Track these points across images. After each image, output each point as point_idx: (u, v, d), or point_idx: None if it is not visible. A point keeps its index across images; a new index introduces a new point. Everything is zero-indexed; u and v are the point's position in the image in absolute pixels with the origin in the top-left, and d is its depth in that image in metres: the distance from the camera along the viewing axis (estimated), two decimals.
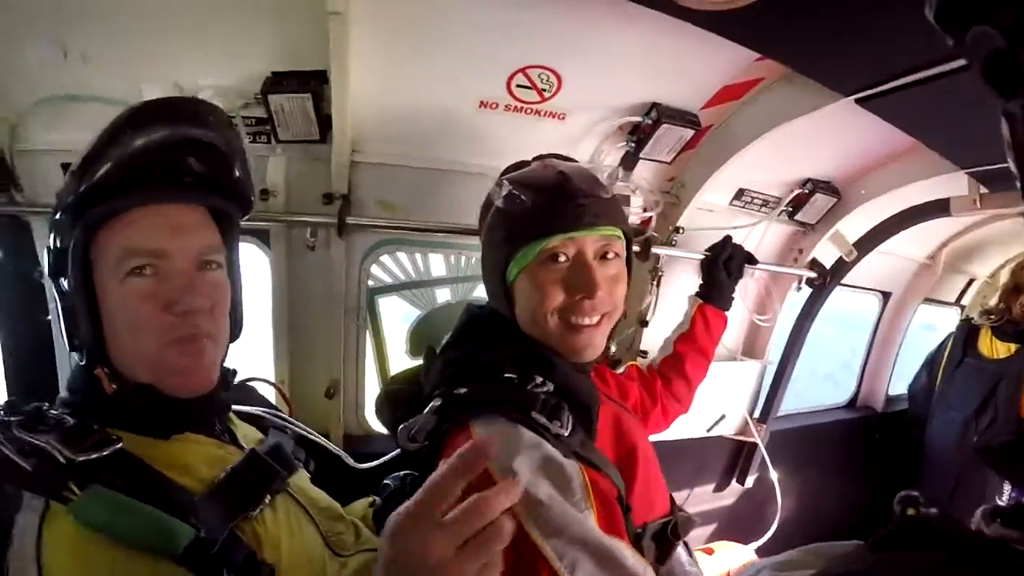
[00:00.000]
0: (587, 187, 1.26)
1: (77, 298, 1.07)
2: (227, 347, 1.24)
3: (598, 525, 1.00)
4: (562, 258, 1.26)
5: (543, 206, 1.25)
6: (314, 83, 1.93)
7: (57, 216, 1.08)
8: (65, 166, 2.25)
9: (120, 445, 1.02)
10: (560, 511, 0.97)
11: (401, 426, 1.25)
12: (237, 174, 1.17)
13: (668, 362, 2.13)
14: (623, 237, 1.34)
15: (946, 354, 3.87)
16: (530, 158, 1.53)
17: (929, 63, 1.56)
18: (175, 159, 1.09)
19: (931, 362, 4.03)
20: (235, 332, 1.27)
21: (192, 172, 1.10)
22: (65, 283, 1.09)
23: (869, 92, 1.77)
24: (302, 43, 1.89)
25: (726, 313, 2.25)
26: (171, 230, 1.07)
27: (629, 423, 1.38)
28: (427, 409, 1.23)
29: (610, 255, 1.30)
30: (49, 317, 2.29)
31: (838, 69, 1.77)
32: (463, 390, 1.22)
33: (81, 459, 0.97)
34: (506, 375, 1.24)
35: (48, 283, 1.15)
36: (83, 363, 1.12)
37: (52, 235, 1.10)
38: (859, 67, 1.73)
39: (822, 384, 5.71)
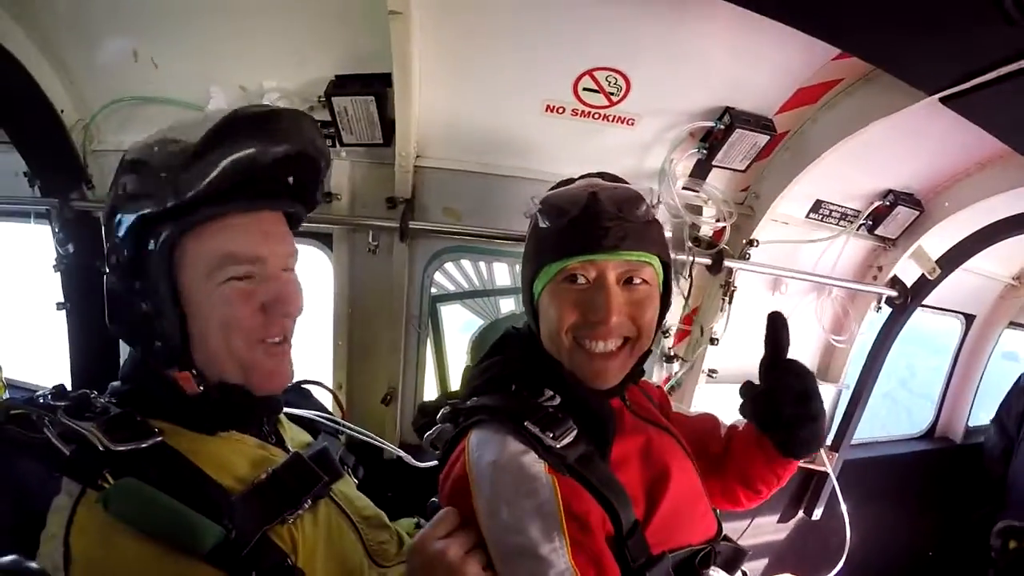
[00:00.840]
0: (615, 209, 1.22)
1: (165, 301, 1.06)
2: None
3: (569, 543, 1.04)
4: (581, 280, 1.22)
5: (567, 226, 1.23)
6: (378, 86, 1.94)
7: (130, 218, 1.04)
8: (26, 174, 2.34)
9: (160, 439, 1.03)
10: (505, 520, 1.06)
11: (425, 434, 1.34)
12: (319, 191, 1.24)
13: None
14: (656, 263, 1.28)
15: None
16: (595, 168, 1.49)
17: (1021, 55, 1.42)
18: (280, 173, 1.13)
19: (1009, 399, 3.73)
20: None
21: (286, 182, 1.16)
22: (141, 285, 1.07)
23: (955, 90, 1.62)
24: (366, 47, 1.90)
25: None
26: (265, 237, 1.12)
27: (663, 444, 1.33)
28: (438, 417, 1.33)
29: (636, 280, 1.24)
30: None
31: (921, 64, 1.64)
32: (472, 400, 1.26)
33: (120, 449, 0.98)
34: (516, 388, 1.26)
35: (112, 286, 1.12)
36: (164, 366, 1.12)
37: (120, 235, 1.06)
38: (944, 62, 1.58)
39: (881, 403, 5.39)
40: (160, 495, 0.96)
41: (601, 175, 1.41)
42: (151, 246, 1.05)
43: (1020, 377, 3.68)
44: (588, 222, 1.21)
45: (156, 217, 1.03)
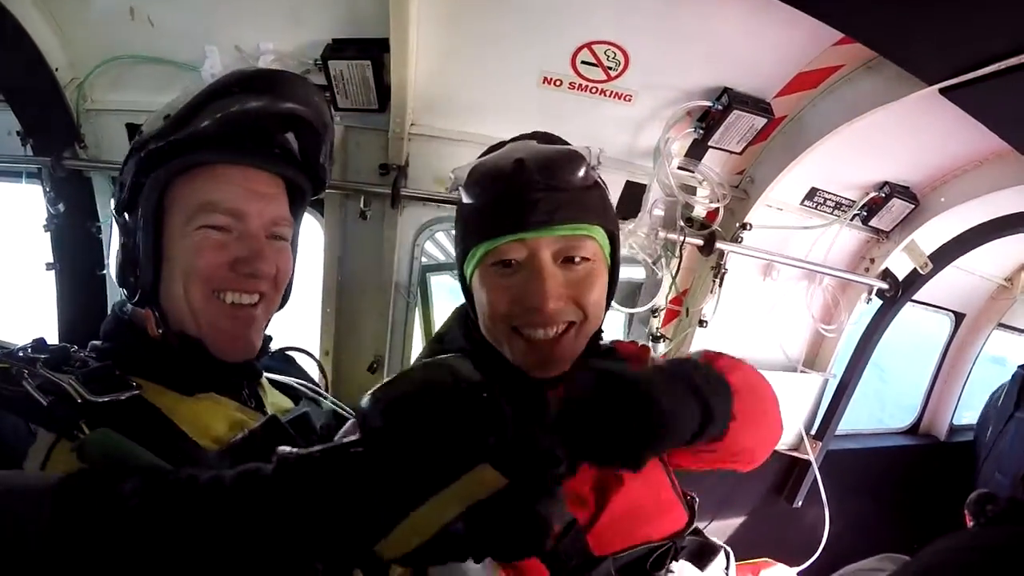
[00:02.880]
0: (545, 176, 1.06)
1: (144, 236, 1.07)
2: (273, 316, 1.24)
3: None
4: (512, 262, 1.08)
5: (490, 201, 1.09)
6: (375, 51, 1.91)
7: (141, 153, 1.07)
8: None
9: (138, 392, 1.02)
10: None
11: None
12: (323, 158, 1.20)
13: None
14: (599, 234, 1.13)
15: (998, 404, 3.59)
16: (590, 140, 1.35)
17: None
18: (275, 129, 1.11)
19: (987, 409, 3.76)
20: (282, 304, 1.26)
21: (284, 146, 1.13)
22: (131, 219, 1.10)
23: (955, 81, 1.63)
24: (364, 10, 1.88)
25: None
26: (251, 194, 1.09)
27: None
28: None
29: (576, 258, 1.09)
30: (104, 272, 2.33)
31: (923, 53, 1.63)
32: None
33: (97, 400, 0.97)
34: None
35: (110, 221, 1.14)
36: (133, 301, 1.12)
37: (130, 171, 1.09)
38: (947, 53, 1.58)
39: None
40: (134, 446, 0.94)
41: (535, 135, 1.24)
42: (140, 184, 1.07)
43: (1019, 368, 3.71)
44: (514, 195, 1.05)
45: (153, 156, 1.05)
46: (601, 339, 1.24)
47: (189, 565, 0.68)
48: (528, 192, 1.05)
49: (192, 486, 0.73)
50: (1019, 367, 3.78)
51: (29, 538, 0.67)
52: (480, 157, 1.20)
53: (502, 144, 1.23)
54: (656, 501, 1.16)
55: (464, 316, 1.28)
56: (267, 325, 1.22)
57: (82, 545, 0.67)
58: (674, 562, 1.11)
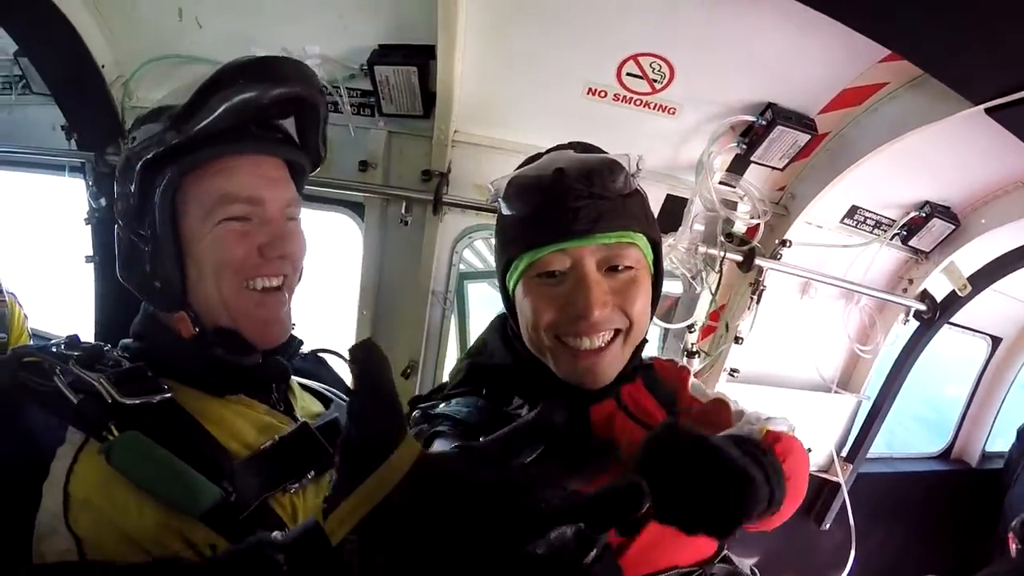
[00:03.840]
0: (586, 185, 1.04)
1: (163, 241, 1.06)
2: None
3: None
4: (556, 272, 1.06)
5: (532, 212, 1.07)
6: (421, 57, 1.93)
7: (148, 157, 1.05)
8: (63, 127, 2.36)
9: (169, 395, 1.02)
10: None
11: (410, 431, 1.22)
12: (320, 135, 1.20)
13: None
14: (642, 241, 1.11)
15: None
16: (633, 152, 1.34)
17: None
18: (278, 114, 1.12)
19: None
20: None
21: (284, 129, 1.14)
22: (145, 229, 1.08)
23: (1002, 101, 1.60)
24: (410, 17, 1.90)
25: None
26: (266, 180, 1.10)
27: None
28: (411, 419, 1.18)
29: (619, 266, 1.07)
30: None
31: (971, 71, 1.61)
32: (441, 406, 1.14)
33: (127, 402, 0.97)
34: (485, 392, 1.14)
35: (117, 231, 1.13)
36: (163, 309, 1.12)
37: (129, 182, 1.07)
38: (994, 72, 1.57)
39: None
40: (162, 451, 0.95)
41: (573, 145, 1.22)
42: (154, 190, 1.05)
43: None
44: (554, 205, 1.04)
45: (159, 160, 1.04)
46: (642, 352, 1.20)
47: None
48: (569, 201, 1.03)
49: None
50: None
51: None
52: (518, 168, 1.18)
53: (539, 155, 1.21)
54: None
55: (503, 328, 1.26)
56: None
57: None
58: None
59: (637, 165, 1.10)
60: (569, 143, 1.24)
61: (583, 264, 1.05)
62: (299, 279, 1.24)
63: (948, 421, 4.12)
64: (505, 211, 1.11)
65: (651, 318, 1.16)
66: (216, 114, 1.02)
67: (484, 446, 0.91)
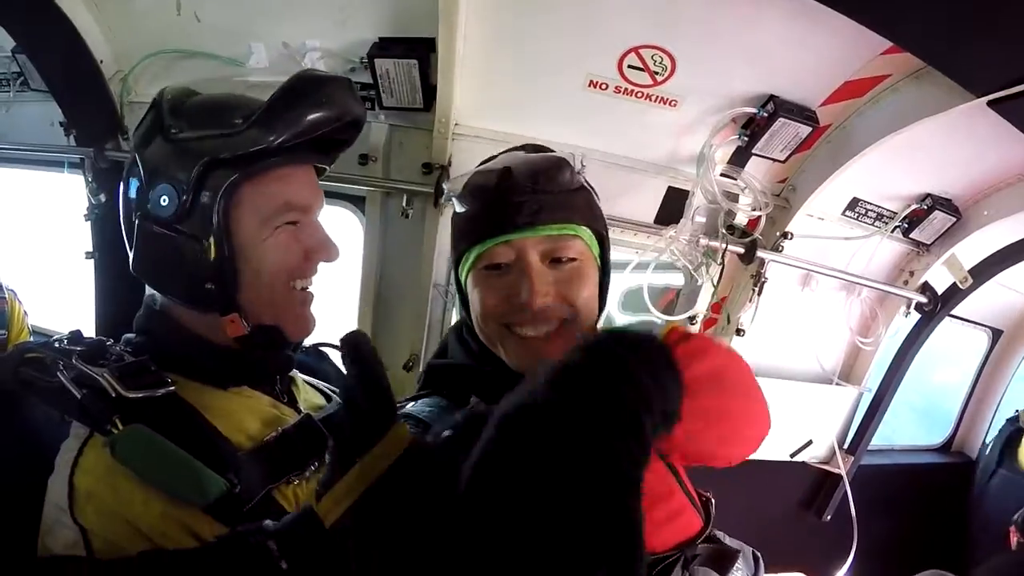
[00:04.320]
0: (530, 181, 1.10)
1: (222, 244, 1.07)
2: None
3: None
4: (501, 264, 1.11)
5: (479, 208, 1.13)
6: (421, 50, 1.92)
7: (197, 164, 1.05)
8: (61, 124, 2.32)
9: (173, 388, 1.03)
10: None
11: None
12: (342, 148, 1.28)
13: None
14: (585, 234, 1.15)
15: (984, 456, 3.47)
16: (636, 148, 1.37)
17: None
18: (340, 133, 1.17)
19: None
20: None
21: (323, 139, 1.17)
22: (194, 229, 1.07)
23: (1005, 93, 1.60)
24: (411, 10, 1.89)
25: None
26: (313, 189, 1.18)
27: None
28: None
29: (563, 258, 1.11)
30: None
31: (973, 64, 1.61)
32: (408, 406, 1.18)
33: (131, 396, 0.98)
34: (446, 392, 1.19)
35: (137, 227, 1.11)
36: (214, 310, 1.11)
37: (182, 180, 1.05)
38: (997, 64, 1.56)
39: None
40: (167, 444, 0.96)
41: (525, 147, 1.28)
42: (209, 190, 1.05)
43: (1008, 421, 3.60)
44: (499, 199, 1.10)
45: (221, 162, 1.05)
46: None
47: None
48: (513, 195, 1.09)
49: None
50: (1008, 420, 3.67)
51: None
52: (475, 168, 1.23)
53: (493, 158, 1.26)
54: (659, 509, 1.10)
55: (459, 328, 1.29)
56: None
57: None
58: (685, 572, 1.05)
59: (581, 162, 1.18)
60: (522, 145, 1.30)
61: (526, 254, 1.09)
62: None
63: (936, 408, 4.13)
64: (457, 209, 1.17)
65: (601, 309, 1.20)
66: (295, 127, 1.08)
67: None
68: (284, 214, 1.11)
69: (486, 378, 1.16)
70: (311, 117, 1.09)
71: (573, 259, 1.12)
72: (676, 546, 1.07)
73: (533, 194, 1.09)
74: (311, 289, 1.20)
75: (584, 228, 1.14)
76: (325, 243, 1.17)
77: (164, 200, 1.06)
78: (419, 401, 1.19)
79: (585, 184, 1.18)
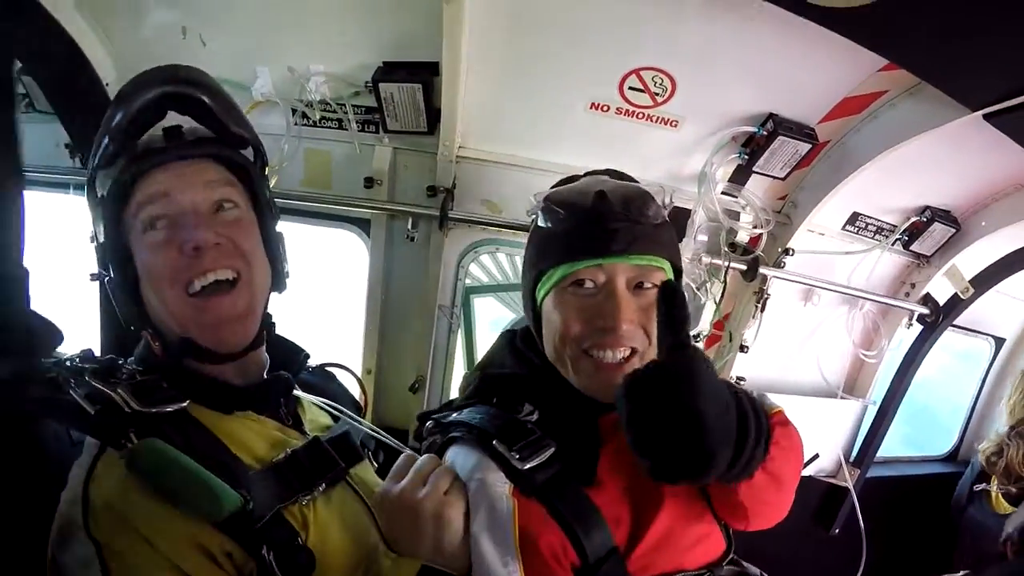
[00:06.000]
0: (625, 210, 1.14)
1: (115, 269, 1.11)
2: (265, 294, 1.22)
3: (522, 570, 0.99)
4: (589, 284, 1.15)
5: (573, 228, 1.16)
6: (425, 74, 1.94)
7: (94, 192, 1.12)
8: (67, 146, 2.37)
9: (185, 404, 1.05)
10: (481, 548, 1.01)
11: (421, 444, 1.29)
12: (226, 119, 1.17)
13: None
14: (667, 267, 1.21)
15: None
16: (638, 169, 1.42)
17: None
18: (149, 122, 1.13)
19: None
20: (277, 284, 1.26)
21: (179, 132, 1.14)
22: (104, 265, 1.14)
23: (1000, 107, 1.64)
24: (415, 35, 1.91)
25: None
26: (175, 179, 1.10)
27: None
28: (424, 430, 1.29)
29: (647, 285, 1.16)
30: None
31: (968, 78, 1.64)
32: (453, 415, 1.22)
33: (146, 411, 0.99)
34: (496, 400, 1.21)
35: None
36: (136, 329, 1.16)
37: (93, 219, 1.14)
38: (991, 78, 1.59)
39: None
40: (183, 457, 0.97)
41: (608, 172, 1.34)
42: (98, 224, 1.12)
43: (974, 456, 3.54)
44: (595, 223, 1.13)
45: (97, 201, 1.10)
46: None
47: None
48: (609, 222, 1.13)
49: None
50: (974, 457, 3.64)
51: None
52: (554, 187, 1.28)
53: (575, 177, 1.34)
54: (693, 529, 1.15)
55: (513, 341, 1.33)
56: (262, 305, 1.21)
57: None
58: None
59: (670, 198, 1.24)
60: (604, 169, 1.36)
61: (615, 280, 1.14)
62: (276, 279, 1.25)
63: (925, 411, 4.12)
64: (542, 223, 1.21)
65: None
66: (104, 142, 1.08)
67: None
68: (143, 219, 1.08)
69: (542, 389, 1.21)
70: (115, 123, 1.08)
71: (655, 286, 1.16)
72: (705, 565, 1.14)
73: (627, 222, 1.13)
74: (237, 289, 1.13)
75: (666, 261, 1.20)
76: (187, 230, 1.08)
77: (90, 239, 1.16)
78: (467, 410, 1.22)
79: (667, 218, 1.23)
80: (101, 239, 1.12)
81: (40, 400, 1.01)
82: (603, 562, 1.04)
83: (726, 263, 2.27)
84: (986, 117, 1.69)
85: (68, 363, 1.09)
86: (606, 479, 1.11)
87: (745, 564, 1.22)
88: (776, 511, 1.18)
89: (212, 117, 1.16)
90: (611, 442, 1.14)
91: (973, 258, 2.70)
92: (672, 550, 1.11)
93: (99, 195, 1.10)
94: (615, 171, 1.35)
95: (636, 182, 1.28)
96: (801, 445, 1.15)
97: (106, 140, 1.08)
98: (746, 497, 1.07)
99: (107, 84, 2.29)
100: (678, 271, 1.25)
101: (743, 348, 2.46)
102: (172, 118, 1.16)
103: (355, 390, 1.61)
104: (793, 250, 2.37)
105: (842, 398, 2.84)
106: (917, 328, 2.85)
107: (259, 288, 1.19)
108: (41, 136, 2.67)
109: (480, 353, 2.39)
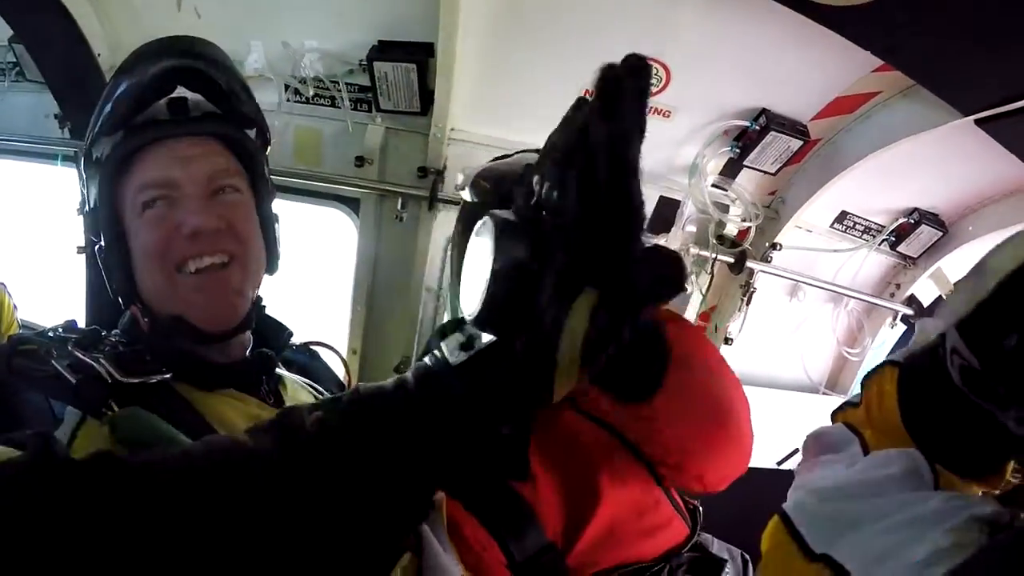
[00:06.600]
0: None
1: (107, 241, 1.07)
2: (258, 277, 1.20)
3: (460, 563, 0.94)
4: None
5: (501, 199, 1.16)
6: (420, 54, 1.93)
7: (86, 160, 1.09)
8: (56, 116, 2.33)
9: (168, 375, 1.02)
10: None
11: None
12: (233, 100, 1.14)
13: None
14: None
15: None
16: None
17: None
18: (165, 90, 1.08)
19: None
20: (270, 264, 1.23)
21: (184, 106, 1.10)
22: (97, 235, 1.10)
23: (992, 112, 1.63)
24: (410, 14, 1.91)
25: None
26: (178, 161, 1.07)
27: (601, 444, 1.09)
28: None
29: None
30: None
31: (963, 83, 1.65)
32: None
33: (129, 381, 0.96)
34: None
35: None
36: (124, 305, 1.12)
37: (83, 193, 1.11)
38: (985, 84, 1.60)
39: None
40: (164, 424, 0.95)
41: (538, 151, 1.33)
42: (93, 194, 1.08)
43: None
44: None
45: (95, 165, 1.07)
46: None
47: None
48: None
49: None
50: None
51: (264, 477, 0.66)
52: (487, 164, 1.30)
53: (506, 156, 1.36)
54: (646, 518, 1.11)
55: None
56: (254, 288, 1.18)
57: None
58: None
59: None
60: (534, 149, 1.30)
61: None
62: (270, 261, 1.22)
63: None
64: (469, 198, 1.23)
65: None
66: (107, 111, 1.04)
67: None
68: (139, 196, 1.05)
69: None
70: (120, 91, 1.05)
71: None
72: (663, 554, 1.09)
73: None
74: (230, 270, 1.09)
75: None
76: (186, 213, 1.05)
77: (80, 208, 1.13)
78: None
79: None
80: (94, 207, 1.09)
81: (20, 370, 0.99)
82: (537, 559, 1.00)
83: (714, 255, 2.28)
84: (978, 122, 1.70)
85: (51, 334, 1.05)
86: (538, 472, 1.04)
87: (712, 546, 1.19)
88: (723, 452, 1.04)
89: (221, 95, 1.13)
90: (540, 431, 1.06)
91: (959, 261, 2.73)
92: (620, 542, 1.07)
93: (96, 159, 1.07)
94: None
95: None
96: (715, 360, 1.03)
97: (109, 107, 1.05)
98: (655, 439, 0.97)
99: (99, 55, 2.27)
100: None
101: (728, 340, 2.48)
102: (179, 90, 1.11)
103: (339, 370, 1.60)
104: (781, 245, 2.39)
105: (824, 394, 2.86)
106: (901, 328, 2.88)
107: (252, 270, 1.16)
108: (30, 106, 2.65)
109: None
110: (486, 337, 0.66)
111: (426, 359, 0.71)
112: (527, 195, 0.65)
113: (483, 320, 0.63)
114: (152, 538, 0.61)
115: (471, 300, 0.64)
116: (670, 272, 0.65)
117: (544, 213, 0.62)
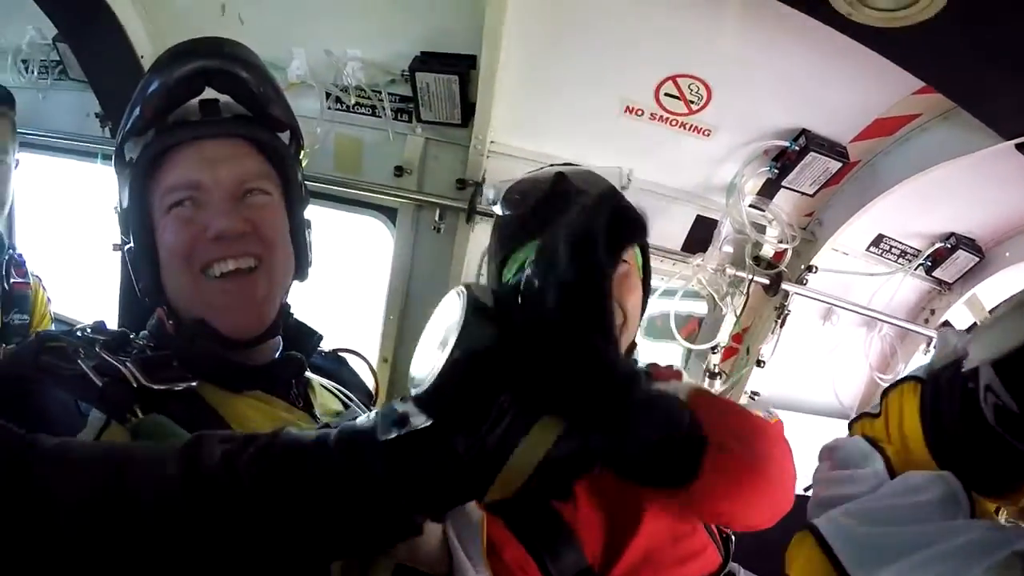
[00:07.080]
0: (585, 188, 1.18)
1: (136, 241, 1.08)
2: (286, 283, 1.20)
3: None
4: None
5: (531, 208, 1.20)
6: (462, 66, 1.94)
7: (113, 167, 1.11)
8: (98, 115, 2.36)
9: (195, 384, 1.02)
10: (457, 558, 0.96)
11: None
12: (264, 102, 1.14)
13: None
14: (637, 251, 1.23)
15: None
16: (668, 174, 1.44)
17: None
18: (186, 96, 1.09)
19: None
20: (300, 271, 1.23)
21: (216, 108, 1.10)
22: (127, 235, 1.11)
23: None
24: (453, 27, 1.92)
25: None
26: (206, 163, 1.07)
27: None
28: None
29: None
30: None
31: (1003, 107, 1.64)
32: None
33: (154, 387, 0.97)
34: None
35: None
36: (150, 305, 1.14)
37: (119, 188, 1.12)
38: None
39: None
40: (185, 435, 0.92)
41: (568, 165, 1.38)
42: (124, 194, 1.09)
43: None
44: (556, 201, 1.13)
45: (128, 166, 1.08)
46: (635, 354, 1.29)
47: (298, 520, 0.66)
48: (570, 199, 1.10)
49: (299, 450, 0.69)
50: None
51: (160, 500, 0.66)
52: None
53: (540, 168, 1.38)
54: (682, 545, 1.11)
55: None
56: (282, 293, 1.19)
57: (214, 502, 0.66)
58: None
59: (628, 178, 1.20)
60: (562, 164, 1.40)
61: None
62: (299, 267, 1.22)
63: None
64: (500, 212, 1.25)
65: (641, 315, 1.24)
66: (133, 116, 1.05)
67: None
68: (167, 197, 1.05)
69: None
70: (150, 91, 1.05)
71: (625, 261, 1.16)
72: None
73: None
74: (256, 275, 1.09)
75: (635, 246, 1.21)
76: (212, 216, 1.05)
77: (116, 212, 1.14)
78: None
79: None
80: (125, 207, 1.11)
81: (46, 367, 0.98)
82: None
83: (750, 276, 2.27)
84: (1019, 147, 1.68)
85: (79, 333, 1.06)
86: (580, 493, 1.05)
87: (740, 574, 1.20)
88: (761, 507, 1.03)
89: (252, 97, 1.12)
90: None
91: (994, 288, 2.68)
92: (656, 568, 1.07)
93: (127, 160, 1.09)
94: (570, 165, 1.40)
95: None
96: (759, 433, 1.02)
97: (139, 108, 1.07)
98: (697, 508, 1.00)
99: (142, 57, 2.30)
100: (644, 250, 1.26)
101: (760, 363, 2.45)
102: (209, 92, 1.12)
103: (368, 378, 1.60)
104: (816, 268, 2.37)
105: None
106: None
107: (279, 276, 1.16)
108: (73, 104, 2.70)
109: None
110: (421, 419, 0.60)
111: (358, 420, 0.67)
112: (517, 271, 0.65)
113: (425, 403, 0.59)
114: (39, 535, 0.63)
115: (420, 368, 0.61)
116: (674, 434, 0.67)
117: (521, 300, 0.59)
